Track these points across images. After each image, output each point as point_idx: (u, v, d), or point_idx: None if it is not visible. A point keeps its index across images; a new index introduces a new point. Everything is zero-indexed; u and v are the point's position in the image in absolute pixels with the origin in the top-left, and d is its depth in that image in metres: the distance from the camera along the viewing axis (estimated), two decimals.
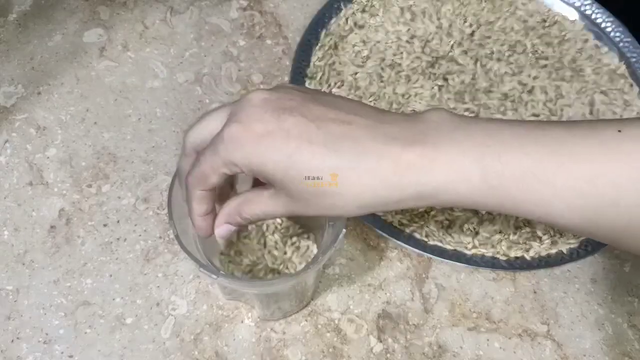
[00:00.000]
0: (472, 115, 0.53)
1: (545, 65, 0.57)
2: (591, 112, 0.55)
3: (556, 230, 0.49)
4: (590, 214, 0.30)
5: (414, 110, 0.53)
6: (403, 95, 0.54)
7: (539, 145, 0.30)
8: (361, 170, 0.30)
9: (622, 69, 0.58)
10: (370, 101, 0.54)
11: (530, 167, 0.30)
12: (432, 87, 0.55)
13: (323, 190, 0.30)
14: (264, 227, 0.45)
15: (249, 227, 0.45)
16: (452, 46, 0.58)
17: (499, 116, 0.54)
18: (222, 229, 0.35)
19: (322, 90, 0.55)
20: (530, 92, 0.55)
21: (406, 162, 0.30)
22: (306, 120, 0.30)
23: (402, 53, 0.57)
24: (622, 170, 0.29)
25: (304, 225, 0.46)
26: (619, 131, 0.29)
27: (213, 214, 0.35)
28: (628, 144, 0.29)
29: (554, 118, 0.54)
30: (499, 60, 0.57)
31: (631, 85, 0.57)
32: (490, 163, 0.30)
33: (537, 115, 0.54)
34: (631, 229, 0.30)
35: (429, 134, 0.31)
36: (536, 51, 0.58)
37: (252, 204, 0.33)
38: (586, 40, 0.60)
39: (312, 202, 0.31)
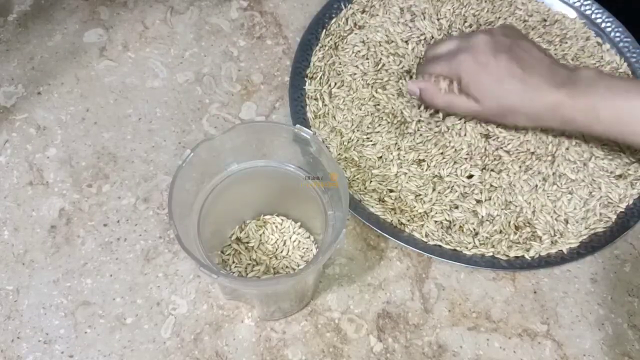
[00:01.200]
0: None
1: None
2: None
3: (556, 230, 0.49)
4: None
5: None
6: (403, 96, 0.54)
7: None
8: (534, 100, 0.47)
9: (625, 66, 0.58)
10: (370, 105, 0.54)
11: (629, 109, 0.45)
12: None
13: (507, 109, 0.48)
14: (265, 227, 0.46)
15: (250, 227, 0.45)
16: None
17: None
18: (413, 88, 0.52)
19: (322, 91, 0.55)
20: None
21: (563, 99, 0.46)
22: (512, 62, 0.47)
23: (402, 55, 0.57)
24: None
25: (304, 225, 0.46)
26: None
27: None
28: None
29: None
30: None
31: None
32: (606, 103, 0.45)
33: None
34: None
35: (580, 83, 0.46)
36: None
37: (450, 97, 0.50)
38: (587, 38, 0.60)
39: (495, 115, 0.50)
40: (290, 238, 0.45)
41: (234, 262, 0.44)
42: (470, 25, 0.59)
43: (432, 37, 0.58)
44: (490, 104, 0.48)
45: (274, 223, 0.46)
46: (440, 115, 0.53)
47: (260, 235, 0.45)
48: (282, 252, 0.45)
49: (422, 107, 0.53)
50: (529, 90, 0.47)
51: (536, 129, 0.52)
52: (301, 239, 0.45)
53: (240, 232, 0.45)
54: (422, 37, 0.58)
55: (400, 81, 0.55)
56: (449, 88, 0.50)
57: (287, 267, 0.44)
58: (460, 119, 0.52)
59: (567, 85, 0.46)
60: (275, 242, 0.45)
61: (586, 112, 0.46)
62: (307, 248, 0.45)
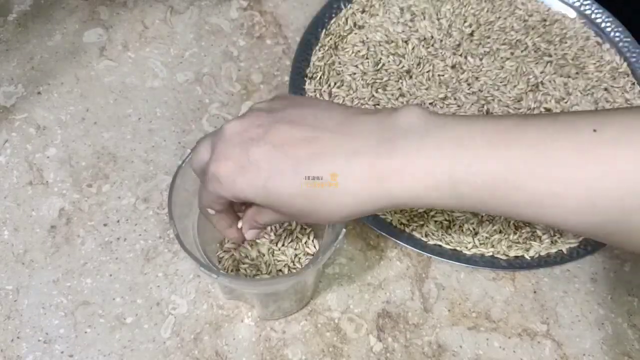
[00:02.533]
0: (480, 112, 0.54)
1: (550, 62, 0.57)
2: (596, 110, 0.55)
3: (556, 230, 0.49)
4: (565, 215, 0.30)
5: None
6: (403, 96, 0.54)
7: (511, 149, 0.30)
8: (332, 188, 0.31)
9: (624, 66, 0.58)
10: (370, 105, 0.54)
11: (502, 173, 0.30)
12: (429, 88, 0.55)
13: (302, 207, 0.32)
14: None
15: None
16: (449, 47, 0.58)
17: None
18: (251, 234, 0.39)
19: (322, 90, 0.55)
20: (537, 90, 0.55)
21: (374, 177, 0.30)
22: (273, 148, 0.31)
23: (402, 55, 0.57)
24: (594, 175, 0.29)
25: (304, 224, 0.46)
26: (594, 131, 0.29)
27: (235, 221, 0.39)
28: (602, 149, 0.29)
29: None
30: (503, 58, 0.57)
31: (633, 84, 0.57)
32: (460, 174, 0.30)
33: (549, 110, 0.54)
34: (609, 226, 0.30)
35: (397, 143, 0.31)
36: (538, 49, 0.58)
37: (262, 215, 0.36)
38: (587, 38, 0.60)
39: (301, 216, 0.34)
40: (290, 238, 0.45)
41: (230, 256, 0.44)
42: (470, 25, 0.59)
43: (432, 37, 0.58)
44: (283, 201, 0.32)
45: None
46: None
47: (261, 234, 0.45)
48: (282, 251, 0.45)
49: None
50: (311, 161, 0.31)
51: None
52: (301, 238, 0.45)
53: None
54: (422, 37, 0.58)
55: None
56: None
57: (287, 267, 0.44)
58: None
59: (371, 140, 0.31)
60: (276, 241, 0.45)
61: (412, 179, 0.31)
62: (307, 248, 0.45)
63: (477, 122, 0.31)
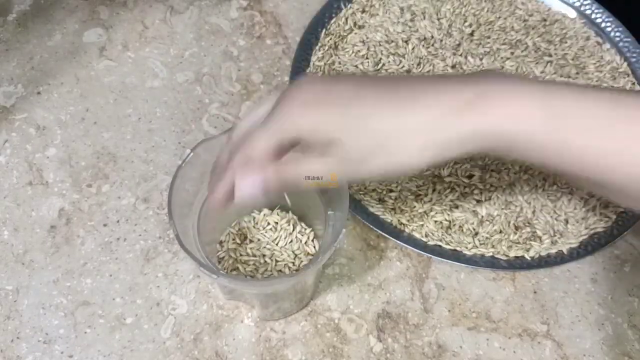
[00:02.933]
0: None
1: (550, 62, 0.57)
2: None
3: (556, 230, 0.49)
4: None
5: None
6: None
7: (598, 104, 0.29)
8: (418, 113, 0.29)
9: (625, 66, 0.58)
10: None
11: (593, 120, 0.29)
12: None
13: (381, 144, 0.30)
14: (266, 225, 0.46)
15: (249, 230, 0.45)
16: (449, 47, 0.58)
17: None
18: (247, 191, 0.33)
19: None
20: None
21: (464, 100, 0.29)
22: (355, 86, 0.31)
23: (399, 56, 0.57)
24: None
25: (305, 224, 0.46)
26: None
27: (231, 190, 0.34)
28: None
29: None
30: (505, 58, 0.57)
31: (633, 84, 0.57)
32: (554, 104, 0.29)
33: None
34: None
35: (488, 81, 0.30)
36: (538, 49, 0.58)
37: (298, 164, 0.32)
38: (587, 38, 0.60)
39: (368, 160, 0.31)
40: (289, 237, 0.45)
41: (230, 256, 0.44)
42: (470, 25, 0.59)
43: (432, 37, 0.58)
44: (358, 143, 0.30)
45: (274, 221, 0.46)
46: None
47: (261, 235, 0.45)
48: (282, 252, 0.44)
49: None
50: (388, 107, 0.30)
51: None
52: (301, 238, 0.45)
53: (237, 228, 0.45)
54: (422, 37, 0.58)
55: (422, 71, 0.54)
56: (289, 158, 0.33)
57: (287, 267, 0.44)
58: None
59: (459, 93, 0.30)
60: (276, 242, 0.45)
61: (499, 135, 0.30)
62: (308, 247, 0.45)
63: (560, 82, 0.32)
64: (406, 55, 0.57)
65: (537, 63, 0.57)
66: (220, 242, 0.45)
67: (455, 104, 0.29)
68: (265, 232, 0.45)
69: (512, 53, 0.58)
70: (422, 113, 0.29)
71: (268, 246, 0.44)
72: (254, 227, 0.45)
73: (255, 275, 0.44)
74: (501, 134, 0.29)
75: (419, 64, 0.56)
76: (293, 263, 0.44)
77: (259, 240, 0.45)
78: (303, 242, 0.45)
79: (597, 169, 0.30)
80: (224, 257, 0.44)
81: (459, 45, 0.58)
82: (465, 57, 0.57)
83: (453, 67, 0.56)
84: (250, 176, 0.32)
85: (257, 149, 0.32)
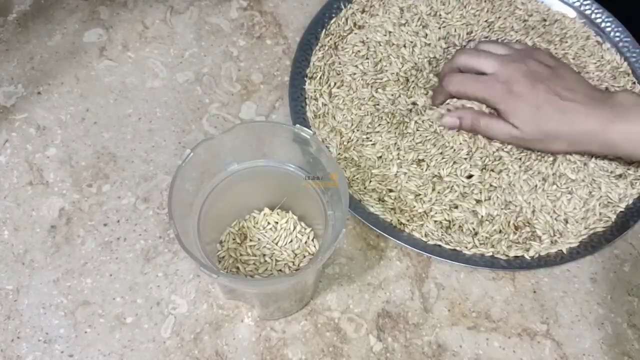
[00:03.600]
0: None
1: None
2: None
3: (556, 230, 0.49)
4: None
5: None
6: (401, 96, 0.54)
7: None
8: (574, 126, 0.48)
9: (625, 66, 0.58)
10: (370, 105, 0.54)
11: None
12: (428, 92, 0.55)
13: (547, 136, 0.49)
14: (266, 225, 0.46)
15: (252, 230, 0.45)
16: (449, 47, 0.58)
17: None
18: (452, 120, 0.52)
19: (322, 90, 0.55)
20: None
21: (600, 127, 0.47)
22: (550, 91, 0.48)
23: (400, 57, 0.57)
24: None
25: (305, 224, 0.46)
26: None
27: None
28: None
29: None
30: None
31: (634, 83, 0.57)
32: None
33: None
34: None
35: (622, 112, 0.47)
36: (538, 49, 0.58)
37: (489, 122, 0.51)
38: (587, 38, 0.60)
39: (535, 142, 0.50)
40: (289, 238, 0.45)
41: (230, 256, 0.44)
42: (469, 25, 0.59)
43: (432, 37, 0.58)
44: (531, 130, 0.49)
45: (275, 221, 0.46)
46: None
47: (261, 235, 0.45)
48: (282, 251, 0.45)
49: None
50: (567, 117, 0.48)
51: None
52: (302, 238, 0.45)
53: (237, 228, 0.45)
54: (423, 37, 0.58)
55: (422, 71, 0.56)
56: (488, 113, 0.51)
57: (287, 267, 0.44)
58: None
59: (604, 110, 0.47)
60: (276, 241, 0.45)
61: (627, 137, 0.47)
62: (308, 247, 0.45)
63: None
64: (406, 55, 0.57)
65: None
66: (221, 242, 0.45)
67: (594, 118, 0.48)
68: (265, 231, 0.45)
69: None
70: (578, 128, 0.49)
71: (268, 246, 0.45)
72: (254, 226, 0.45)
73: (255, 275, 0.44)
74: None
75: (419, 64, 0.56)
76: (293, 263, 0.44)
77: (259, 239, 0.45)
78: (303, 241, 0.45)
79: None
80: (224, 257, 0.44)
81: (458, 45, 0.58)
82: None
83: None
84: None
85: (461, 93, 0.53)
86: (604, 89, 0.56)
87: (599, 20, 0.60)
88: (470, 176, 0.51)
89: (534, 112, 0.48)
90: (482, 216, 0.49)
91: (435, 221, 0.49)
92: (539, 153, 0.52)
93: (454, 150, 0.52)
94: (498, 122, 0.50)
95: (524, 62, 0.50)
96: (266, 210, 0.46)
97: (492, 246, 0.48)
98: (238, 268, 0.44)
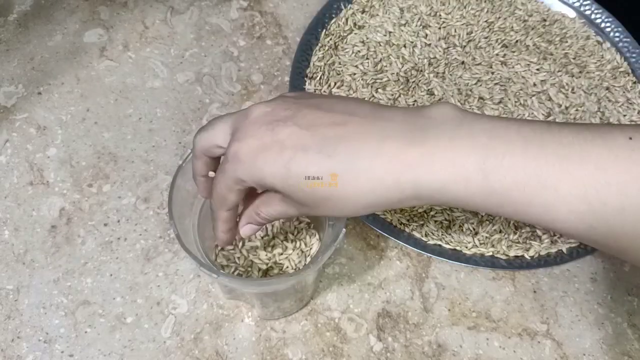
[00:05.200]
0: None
1: (554, 62, 0.57)
2: (599, 109, 0.55)
3: None
4: (595, 221, 0.29)
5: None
6: (401, 96, 0.54)
7: (545, 149, 0.29)
8: (358, 171, 0.30)
9: (625, 65, 0.58)
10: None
11: (534, 171, 0.29)
12: (428, 92, 0.55)
13: (323, 194, 0.31)
14: (267, 226, 0.46)
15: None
16: (449, 48, 0.58)
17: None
18: (246, 229, 0.37)
19: (322, 90, 0.55)
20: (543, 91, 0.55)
21: (403, 162, 0.30)
22: (299, 128, 0.31)
23: (400, 57, 0.57)
24: (630, 179, 0.28)
25: (305, 223, 0.46)
26: (630, 139, 0.29)
27: (235, 227, 0.37)
28: (638, 154, 0.28)
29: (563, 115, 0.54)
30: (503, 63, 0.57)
31: (634, 83, 0.57)
32: (492, 166, 0.29)
33: (548, 115, 0.54)
34: (637, 239, 0.29)
35: (429, 131, 0.30)
36: (538, 49, 0.58)
37: (267, 206, 0.35)
38: (587, 38, 0.60)
39: (316, 206, 0.32)
40: (290, 237, 0.45)
41: (233, 261, 0.44)
42: (469, 25, 0.59)
43: (432, 37, 0.58)
44: (300, 195, 0.31)
45: (278, 222, 0.46)
46: None
47: (262, 234, 0.45)
48: (282, 251, 0.45)
49: None
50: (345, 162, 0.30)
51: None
52: (302, 238, 0.45)
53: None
54: (423, 37, 0.58)
55: (422, 72, 0.55)
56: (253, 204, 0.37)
57: (287, 266, 0.44)
58: None
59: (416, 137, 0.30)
60: (276, 241, 0.45)
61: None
62: (308, 247, 0.45)
63: (512, 121, 0.31)
64: (406, 56, 0.57)
65: (539, 65, 0.57)
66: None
67: (394, 164, 0.30)
68: (268, 232, 0.45)
69: (512, 52, 0.58)
70: (362, 169, 0.30)
71: (269, 246, 0.45)
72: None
73: (255, 275, 0.44)
74: (442, 190, 0.30)
75: (419, 64, 0.56)
76: (293, 263, 0.44)
77: (261, 240, 0.45)
78: (303, 242, 0.45)
79: (540, 220, 0.31)
80: (224, 257, 0.44)
81: (458, 45, 0.58)
82: (464, 59, 0.57)
83: (453, 68, 0.56)
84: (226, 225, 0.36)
85: (228, 201, 0.34)
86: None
87: (598, 21, 0.60)
88: None
89: (282, 164, 0.31)
90: (482, 216, 0.49)
91: (436, 221, 0.49)
92: None
93: None
94: (272, 197, 0.35)
95: (258, 107, 0.33)
96: None
97: (492, 246, 0.48)
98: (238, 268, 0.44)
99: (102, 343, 0.43)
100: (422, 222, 0.48)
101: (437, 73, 0.56)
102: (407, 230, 0.48)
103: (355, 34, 0.58)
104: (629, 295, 0.48)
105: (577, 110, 0.55)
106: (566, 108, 0.55)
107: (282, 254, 0.44)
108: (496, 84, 0.56)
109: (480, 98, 0.54)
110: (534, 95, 0.55)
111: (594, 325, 0.46)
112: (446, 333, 0.45)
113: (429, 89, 0.55)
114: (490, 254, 0.48)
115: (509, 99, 0.55)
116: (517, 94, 0.55)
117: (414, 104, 0.54)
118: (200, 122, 0.54)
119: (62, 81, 0.55)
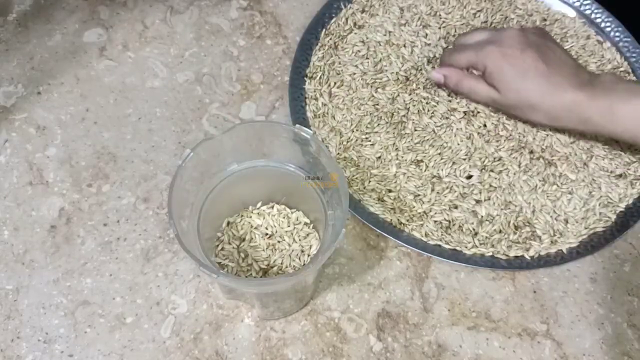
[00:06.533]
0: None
1: None
2: None
3: (556, 230, 0.49)
4: None
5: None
6: (400, 95, 0.54)
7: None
8: (554, 98, 0.48)
9: (625, 65, 0.58)
10: (370, 105, 0.54)
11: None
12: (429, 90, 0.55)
13: (527, 103, 0.49)
14: (267, 227, 0.46)
15: (258, 229, 0.45)
16: (449, 47, 0.58)
17: None
18: (436, 76, 0.53)
19: (322, 90, 0.55)
20: None
21: (579, 101, 0.47)
22: (539, 59, 0.48)
23: (400, 56, 0.57)
24: None
25: (305, 223, 0.46)
26: None
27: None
28: None
29: None
30: None
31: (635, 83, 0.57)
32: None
33: None
34: None
35: (602, 90, 0.47)
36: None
37: (474, 83, 0.51)
38: (588, 37, 0.60)
39: (515, 108, 0.50)
40: (290, 237, 0.45)
41: (226, 257, 0.44)
42: (469, 25, 0.59)
43: (432, 37, 0.58)
44: (511, 96, 0.49)
45: (277, 221, 0.46)
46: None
47: (263, 235, 0.45)
48: (282, 251, 0.45)
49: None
50: (550, 87, 0.48)
51: (552, 128, 0.52)
52: (302, 238, 0.45)
53: (236, 228, 0.45)
54: (423, 37, 0.58)
55: (421, 71, 0.56)
56: (473, 74, 0.51)
57: (287, 266, 0.44)
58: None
59: (587, 87, 0.47)
60: (277, 241, 0.45)
61: (603, 113, 0.46)
62: (308, 247, 0.45)
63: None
64: (406, 55, 0.57)
65: None
66: (221, 241, 0.45)
67: (575, 93, 0.47)
68: (268, 232, 0.45)
69: None
70: (558, 96, 0.48)
71: (270, 246, 0.45)
72: (254, 227, 0.45)
73: (255, 274, 0.44)
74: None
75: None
76: (293, 263, 0.44)
77: (258, 239, 0.45)
78: (303, 242, 0.45)
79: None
80: (223, 257, 0.44)
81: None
82: None
83: None
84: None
85: (460, 64, 0.53)
86: (593, 71, 0.56)
87: (598, 20, 0.60)
88: (469, 176, 0.51)
89: (517, 78, 0.48)
90: (482, 216, 0.49)
91: (435, 221, 0.49)
92: (537, 152, 0.52)
93: (452, 150, 0.51)
94: (482, 85, 0.50)
95: (518, 29, 0.51)
96: (266, 209, 0.46)
97: (492, 246, 0.48)
98: (238, 268, 0.44)
99: (101, 343, 0.43)
100: (421, 222, 0.48)
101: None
102: (407, 230, 0.48)
103: (355, 33, 0.58)
104: (628, 296, 0.48)
105: None
106: None
107: (282, 254, 0.44)
108: None
109: None
110: None
111: (594, 325, 0.46)
112: (446, 333, 0.45)
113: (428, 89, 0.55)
114: (490, 254, 0.48)
115: None
116: None
117: (412, 103, 0.54)
118: (200, 122, 0.54)
119: (61, 81, 0.55)
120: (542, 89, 0.48)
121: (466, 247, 0.48)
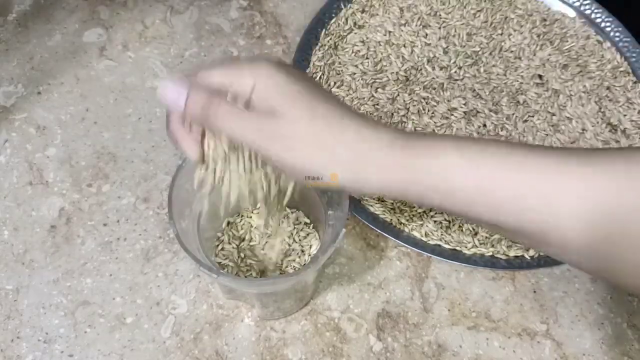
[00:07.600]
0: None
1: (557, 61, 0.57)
2: (600, 109, 0.55)
3: None
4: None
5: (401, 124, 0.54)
6: (400, 95, 0.54)
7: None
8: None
9: (625, 65, 0.58)
10: (370, 105, 0.54)
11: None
12: (430, 90, 0.55)
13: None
14: (267, 228, 0.46)
15: (256, 231, 0.45)
16: (449, 47, 0.58)
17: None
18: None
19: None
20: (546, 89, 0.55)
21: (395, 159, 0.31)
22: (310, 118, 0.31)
23: (400, 56, 0.57)
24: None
25: (305, 223, 0.46)
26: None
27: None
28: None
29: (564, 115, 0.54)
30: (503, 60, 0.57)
31: (635, 83, 0.57)
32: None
33: (553, 114, 0.54)
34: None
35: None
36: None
37: (238, 120, 0.32)
38: (588, 37, 0.60)
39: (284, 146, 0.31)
40: (290, 238, 0.45)
41: (226, 257, 0.44)
42: (469, 25, 0.59)
43: (432, 37, 0.58)
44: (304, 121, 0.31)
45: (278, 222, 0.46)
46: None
47: (263, 234, 0.45)
48: (283, 251, 0.45)
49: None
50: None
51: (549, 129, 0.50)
52: (302, 238, 0.45)
53: (236, 228, 0.45)
54: (423, 37, 0.58)
55: (421, 71, 0.54)
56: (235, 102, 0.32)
57: (287, 266, 0.44)
58: None
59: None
60: (276, 240, 0.45)
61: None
62: (307, 247, 0.45)
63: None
64: (406, 55, 0.57)
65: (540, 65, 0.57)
66: (221, 241, 0.45)
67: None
68: (268, 232, 0.45)
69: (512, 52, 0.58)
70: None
71: (270, 246, 0.45)
72: (254, 227, 0.45)
73: (255, 275, 0.44)
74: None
75: (419, 63, 0.56)
76: (293, 263, 0.44)
77: (258, 239, 0.45)
78: (303, 242, 0.45)
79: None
80: (223, 257, 0.44)
81: (458, 45, 0.58)
82: (464, 61, 0.57)
83: (453, 68, 0.56)
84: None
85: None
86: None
87: (598, 20, 0.60)
88: None
89: (313, 98, 0.32)
90: None
91: (435, 221, 0.49)
92: None
93: None
94: (249, 118, 0.32)
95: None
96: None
97: (492, 246, 0.48)
98: (238, 268, 0.44)
99: (101, 343, 0.43)
100: (421, 222, 0.48)
101: (436, 75, 0.56)
102: (407, 230, 0.48)
103: (355, 33, 0.58)
104: (628, 296, 0.48)
105: (580, 107, 0.55)
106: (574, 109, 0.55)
107: (281, 253, 0.44)
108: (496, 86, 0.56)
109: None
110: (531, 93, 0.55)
111: (594, 325, 0.46)
112: (446, 333, 0.45)
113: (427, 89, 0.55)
114: (490, 254, 0.48)
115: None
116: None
117: (411, 103, 0.54)
118: None
119: (61, 81, 0.55)
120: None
121: (466, 247, 0.48)
